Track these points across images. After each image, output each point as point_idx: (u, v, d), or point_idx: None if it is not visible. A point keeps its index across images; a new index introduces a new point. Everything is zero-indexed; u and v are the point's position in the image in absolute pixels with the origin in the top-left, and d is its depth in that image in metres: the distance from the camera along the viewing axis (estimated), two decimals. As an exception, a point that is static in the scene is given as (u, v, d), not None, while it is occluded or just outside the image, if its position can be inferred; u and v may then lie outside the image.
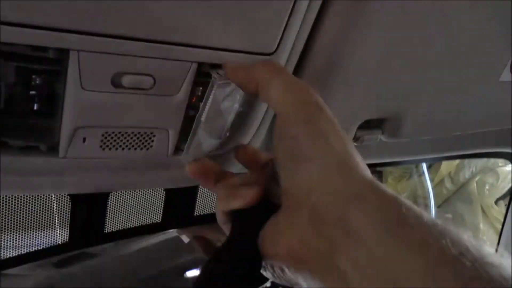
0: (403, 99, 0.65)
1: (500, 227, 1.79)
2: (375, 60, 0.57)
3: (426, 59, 0.61)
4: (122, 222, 1.08)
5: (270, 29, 0.48)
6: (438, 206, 2.63)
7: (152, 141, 0.52)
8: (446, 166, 2.58)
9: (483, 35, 0.62)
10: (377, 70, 0.58)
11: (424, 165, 2.57)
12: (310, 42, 0.54)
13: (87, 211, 0.66)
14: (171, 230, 0.68)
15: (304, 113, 0.40)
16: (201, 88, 0.54)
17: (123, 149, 0.51)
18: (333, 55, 0.55)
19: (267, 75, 0.43)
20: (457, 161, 2.56)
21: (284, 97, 0.41)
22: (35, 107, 0.48)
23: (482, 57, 0.65)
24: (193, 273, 0.64)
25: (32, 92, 0.47)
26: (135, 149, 0.51)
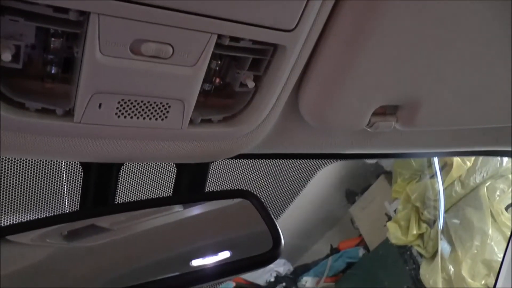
0: (420, 87, 0.64)
1: (509, 233, 1.77)
2: (394, 46, 0.56)
3: (445, 49, 0.60)
4: (132, 194, 1.09)
5: (291, 5, 0.48)
6: (446, 210, 2.61)
7: (168, 111, 0.52)
8: (457, 170, 2.56)
9: (501, 29, 0.61)
10: (395, 56, 0.58)
11: (437, 167, 2.55)
12: (330, 21, 0.53)
13: (99, 181, 0.66)
14: (188, 210, 0.68)
15: None
16: (218, 61, 0.54)
17: (138, 118, 0.51)
18: (352, 37, 0.55)
19: None
20: (468, 165, 2.53)
21: None
22: (53, 71, 0.49)
23: (499, 50, 0.64)
24: (199, 262, 0.64)
25: (51, 56, 0.48)
26: (150, 118, 0.52)
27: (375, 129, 0.68)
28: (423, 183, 2.68)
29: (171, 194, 0.73)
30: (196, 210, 0.68)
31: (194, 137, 0.58)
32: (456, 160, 2.51)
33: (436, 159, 2.52)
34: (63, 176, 1.17)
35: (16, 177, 1.13)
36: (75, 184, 1.16)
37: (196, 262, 0.62)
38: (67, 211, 1.25)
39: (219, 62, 0.54)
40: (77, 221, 0.64)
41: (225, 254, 0.62)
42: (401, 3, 0.52)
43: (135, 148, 0.56)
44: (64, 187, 1.19)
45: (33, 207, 1.19)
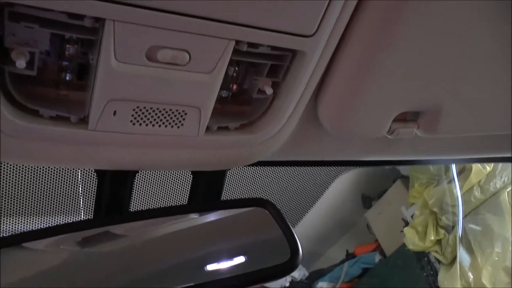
0: (442, 93, 0.62)
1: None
2: (416, 50, 0.55)
3: (468, 54, 0.58)
4: (147, 202, 1.09)
5: (311, 10, 0.46)
6: (464, 216, 2.57)
7: (184, 119, 0.51)
8: (476, 175, 2.52)
9: None
10: (417, 60, 0.56)
11: (454, 172, 2.51)
12: (350, 26, 0.52)
13: (113, 188, 0.65)
14: (197, 218, 0.68)
15: None
16: (235, 67, 0.53)
17: (153, 125, 0.50)
18: (373, 42, 0.53)
19: None
20: (487, 170, 2.49)
21: None
22: (68, 77, 0.48)
23: None
24: (214, 266, 0.63)
25: (65, 62, 0.47)
26: (166, 126, 0.51)
27: (395, 136, 0.66)
28: (441, 188, 2.64)
29: (186, 202, 0.72)
30: (212, 218, 0.67)
31: (211, 145, 0.57)
32: (475, 164, 2.47)
33: (453, 164, 2.48)
34: (78, 179, 1.18)
35: (31, 180, 1.14)
36: (90, 188, 1.16)
37: (212, 271, 0.61)
38: (82, 215, 1.25)
39: (236, 68, 0.53)
40: (92, 229, 0.63)
41: (242, 264, 0.61)
42: (424, 4, 0.50)
43: (150, 156, 0.55)
44: (79, 191, 1.19)
45: (48, 211, 1.20)
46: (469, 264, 2.46)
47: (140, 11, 0.40)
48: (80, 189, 1.18)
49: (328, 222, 3.16)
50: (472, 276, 2.43)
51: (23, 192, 1.15)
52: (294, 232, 0.62)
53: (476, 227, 2.52)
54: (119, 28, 0.41)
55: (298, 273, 3.25)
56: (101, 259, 0.64)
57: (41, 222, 1.23)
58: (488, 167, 2.47)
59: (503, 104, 0.69)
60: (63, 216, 1.22)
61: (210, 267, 0.61)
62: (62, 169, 1.12)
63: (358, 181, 3.19)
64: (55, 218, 1.22)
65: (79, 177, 1.17)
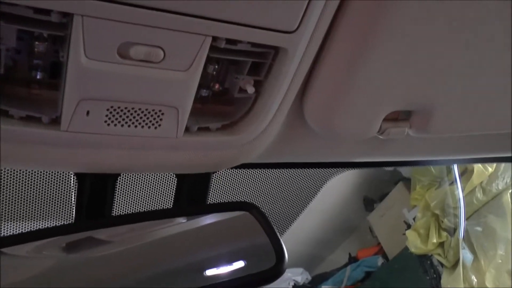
0: (433, 91, 0.60)
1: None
2: (404, 48, 0.53)
3: (459, 52, 0.56)
4: (131, 206, 1.07)
5: (292, 4, 0.44)
6: (467, 218, 2.54)
7: (161, 119, 0.49)
8: (478, 176, 2.49)
9: None
10: (406, 58, 0.54)
11: (457, 173, 2.48)
12: (335, 22, 0.50)
13: (94, 192, 0.64)
14: (189, 222, 0.66)
15: None
16: (215, 65, 0.51)
17: (129, 126, 0.48)
18: (360, 39, 0.51)
19: None
20: (489, 171, 2.46)
21: None
22: (38, 76, 0.46)
23: None
24: (213, 271, 0.61)
25: (36, 61, 0.45)
26: (142, 127, 0.49)
27: (386, 136, 0.64)
28: (443, 190, 2.62)
29: (171, 205, 0.70)
30: (196, 223, 0.65)
31: (191, 146, 0.55)
32: (477, 166, 2.45)
33: (455, 166, 2.45)
34: (70, 183, 1.16)
35: (23, 185, 1.12)
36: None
37: (195, 278, 0.59)
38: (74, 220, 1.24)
39: (216, 66, 0.51)
40: (75, 234, 0.62)
41: (226, 271, 0.59)
42: (412, 2, 0.48)
43: (128, 158, 0.53)
44: (72, 195, 1.18)
45: (40, 215, 1.18)
46: (472, 267, 2.44)
47: (109, 5, 0.39)
48: (73, 193, 1.17)
49: (330, 226, 3.15)
50: (475, 279, 2.40)
51: (16, 197, 1.14)
52: (279, 237, 0.59)
53: (478, 229, 2.49)
54: (88, 23, 0.39)
55: (301, 277, 3.23)
56: (86, 264, 0.62)
57: (34, 227, 1.22)
58: (490, 168, 2.45)
59: (499, 102, 0.67)
60: (55, 221, 1.21)
61: (193, 272, 0.59)
62: (54, 172, 1.11)
63: (360, 184, 3.17)
64: (47, 223, 1.21)
65: (72, 181, 1.15)
